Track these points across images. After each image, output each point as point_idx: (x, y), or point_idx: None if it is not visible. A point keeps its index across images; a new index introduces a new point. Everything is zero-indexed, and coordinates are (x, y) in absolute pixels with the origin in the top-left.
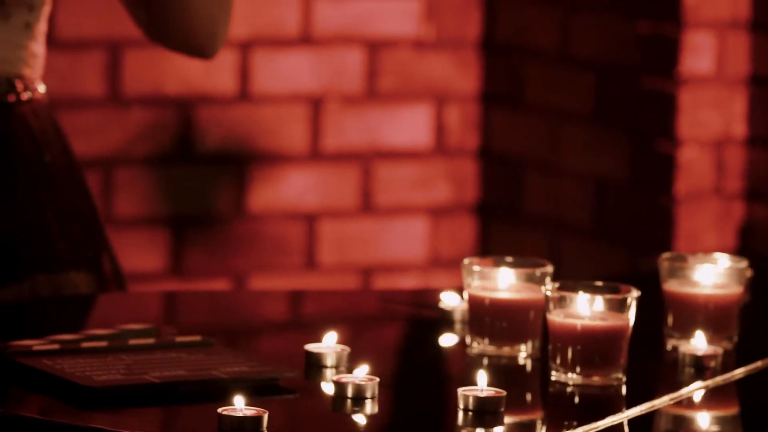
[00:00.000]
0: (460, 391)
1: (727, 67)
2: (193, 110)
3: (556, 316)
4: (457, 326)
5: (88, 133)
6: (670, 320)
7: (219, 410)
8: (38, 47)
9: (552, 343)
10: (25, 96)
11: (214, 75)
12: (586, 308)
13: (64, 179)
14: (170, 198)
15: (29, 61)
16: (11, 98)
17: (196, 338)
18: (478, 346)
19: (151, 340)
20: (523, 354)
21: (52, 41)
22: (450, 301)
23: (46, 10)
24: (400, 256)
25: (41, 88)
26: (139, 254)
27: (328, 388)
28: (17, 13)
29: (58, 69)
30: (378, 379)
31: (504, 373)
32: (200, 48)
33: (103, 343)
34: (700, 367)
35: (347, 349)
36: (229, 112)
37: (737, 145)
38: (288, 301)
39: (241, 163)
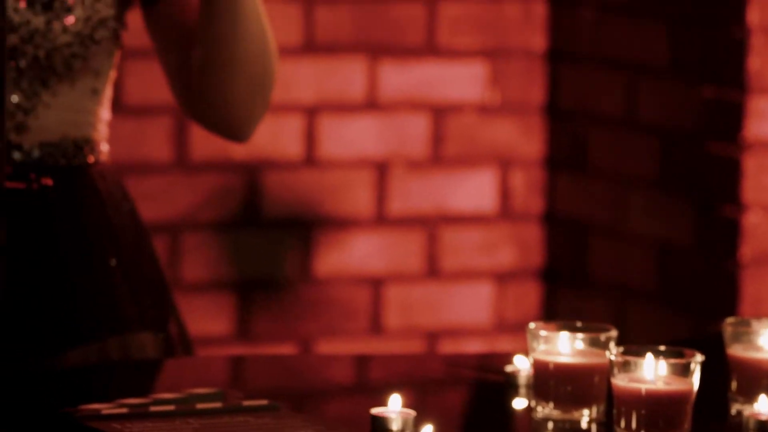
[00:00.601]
0: None
1: None
2: (259, 175)
3: (620, 381)
4: (522, 390)
5: (155, 198)
6: (734, 385)
7: None
8: (105, 112)
9: (616, 407)
10: (93, 159)
11: (280, 140)
12: (651, 372)
13: (131, 242)
14: (237, 262)
15: (96, 125)
16: (79, 162)
17: (263, 402)
18: (542, 411)
19: (218, 404)
20: (587, 418)
21: (119, 107)
22: (515, 365)
23: (112, 76)
24: (466, 320)
25: (108, 152)
26: (206, 318)
27: None
28: (83, 79)
29: (126, 134)
30: None
31: None
32: (234, 132)
33: (171, 407)
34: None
35: (413, 413)
36: (296, 176)
37: None
38: (354, 365)
39: (307, 227)
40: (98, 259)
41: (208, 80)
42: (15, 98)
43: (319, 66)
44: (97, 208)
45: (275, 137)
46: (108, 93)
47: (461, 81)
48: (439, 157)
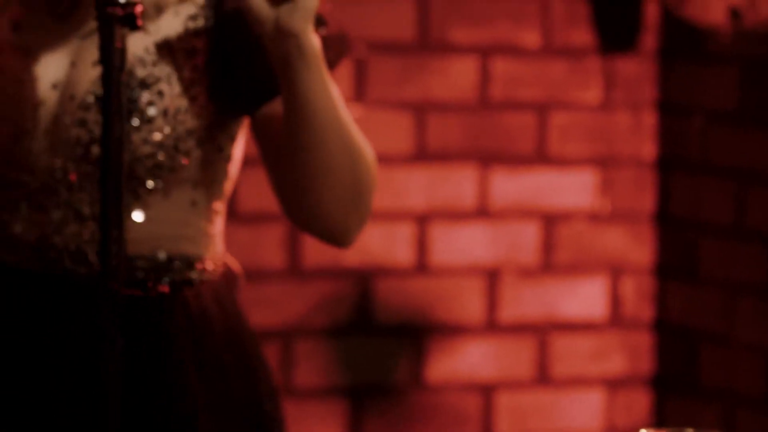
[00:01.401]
0: None
1: None
2: (371, 282)
3: None
4: None
5: (268, 305)
6: None
7: None
8: (209, 225)
9: None
10: (189, 275)
11: (392, 247)
12: None
13: (239, 352)
14: (349, 368)
15: (196, 239)
16: (171, 277)
17: None
18: None
19: None
20: None
21: (233, 214)
22: None
23: (221, 190)
24: (576, 427)
25: (211, 267)
26: (319, 425)
27: None
28: (179, 191)
29: (240, 241)
30: None
31: None
32: (335, 239)
33: None
34: None
35: None
36: (407, 283)
37: None
38: None
39: (418, 334)
40: (211, 365)
41: (300, 190)
42: (139, 216)
43: (430, 173)
44: (187, 328)
45: (387, 244)
46: (216, 207)
47: (572, 189)
48: (550, 264)
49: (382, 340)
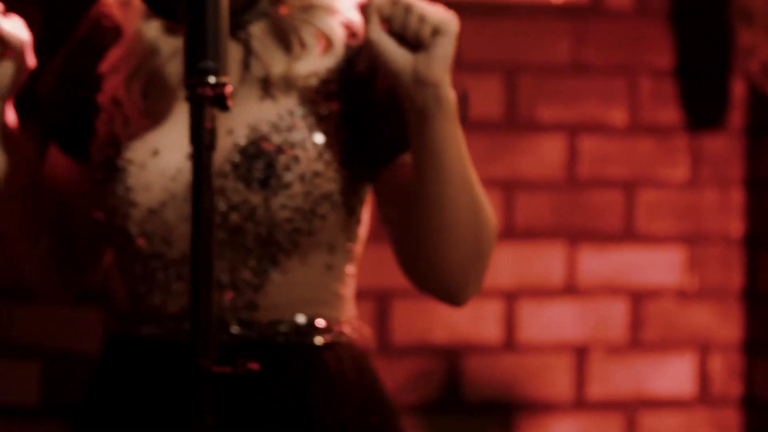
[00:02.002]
0: None
1: None
2: (459, 359)
3: None
4: None
5: None
6: None
7: None
8: (344, 288)
9: None
10: (328, 338)
11: (480, 324)
12: None
13: (374, 423)
14: None
15: (333, 302)
16: (311, 340)
17: None
18: None
19: None
20: None
21: None
22: None
23: (353, 253)
24: None
25: (348, 330)
26: None
27: None
28: (315, 254)
29: None
30: None
31: None
32: (450, 297)
33: None
34: None
35: None
36: (496, 360)
37: None
38: None
39: (507, 411)
40: (353, 427)
41: (422, 245)
42: (278, 281)
43: (518, 251)
44: (328, 390)
45: (475, 321)
46: (348, 268)
47: (659, 266)
48: (638, 341)
49: (471, 417)
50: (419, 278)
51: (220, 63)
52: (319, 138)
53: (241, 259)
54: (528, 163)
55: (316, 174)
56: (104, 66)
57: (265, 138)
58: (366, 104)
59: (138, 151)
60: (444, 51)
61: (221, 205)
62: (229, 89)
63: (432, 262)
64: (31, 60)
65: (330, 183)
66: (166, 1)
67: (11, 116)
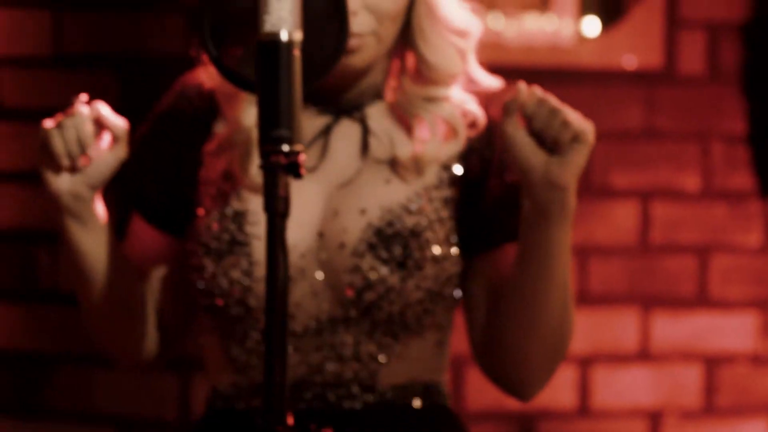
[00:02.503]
0: None
1: None
2: (534, 424)
3: None
4: None
5: None
6: None
7: None
8: (446, 361)
9: None
10: (438, 401)
11: (554, 390)
12: None
13: None
14: None
15: (438, 371)
16: (417, 403)
17: None
18: None
19: None
20: None
21: None
22: None
23: (451, 329)
24: None
25: (446, 395)
26: None
27: None
28: (431, 332)
29: None
30: None
31: None
32: (519, 392)
33: None
34: None
35: None
36: (570, 426)
37: None
38: None
39: None
40: None
41: (506, 337)
42: (396, 355)
43: (592, 317)
44: None
45: (549, 387)
46: (449, 341)
47: (733, 331)
48: (712, 407)
49: None
50: (493, 368)
51: (293, 131)
52: (445, 221)
53: (367, 334)
54: (602, 229)
55: (444, 256)
56: (210, 145)
57: (399, 220)
58: (482, 190)
59: (262, 227)
60: (580, 159)
61: (357, 283)
62: (302, 158)
63: (512, 355)
64: (126, 149)
65: (454, 266)
66: (240, 70)
67: (101, 208)
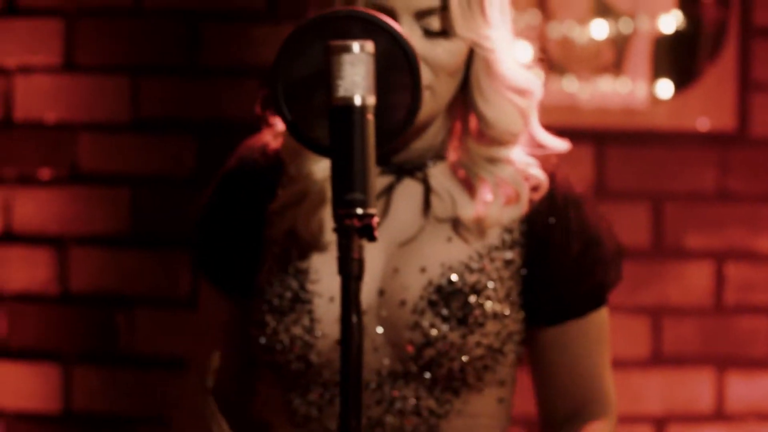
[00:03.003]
0: None
1: None
2: None
3: None
4: None
5: None
6: None
7: None
8: (508, 419)
9: None
10: None
11: None
12: None
13: None
14: None
15: (500, 429)
16: None
17: None
18: None
19: None
20: None
21: None
22: None
23: (514, 386)
24: None
25: None
26: None
27: None
28: (491, 388)
29: None
30: None
31: None
32: None
33: None
34: None
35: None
36: None
37: None
38: None
39: None
40: None
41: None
42: (457, 411)
43: (666, 378)
44: None
45: None
46: (510, 399)
47: None
48: None
49: None
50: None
51: (367, 194)
52: (506, 281)
53: (428, 389)
54: (675, 290)
55: (505, 314)
56: (275, 204)
57: (460, 277)
58: (545, 260)
59: (324, 284)
60: None
61: (417, 340)
62: (375, 220)
63: None
64: None
65: (514, 324)
66: (313, 134)
67: None
